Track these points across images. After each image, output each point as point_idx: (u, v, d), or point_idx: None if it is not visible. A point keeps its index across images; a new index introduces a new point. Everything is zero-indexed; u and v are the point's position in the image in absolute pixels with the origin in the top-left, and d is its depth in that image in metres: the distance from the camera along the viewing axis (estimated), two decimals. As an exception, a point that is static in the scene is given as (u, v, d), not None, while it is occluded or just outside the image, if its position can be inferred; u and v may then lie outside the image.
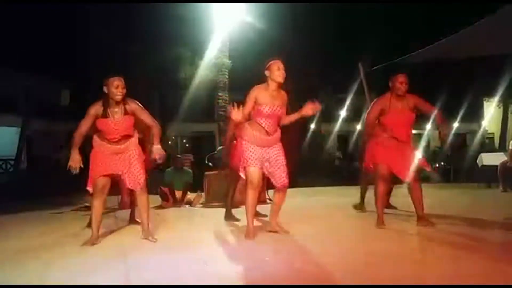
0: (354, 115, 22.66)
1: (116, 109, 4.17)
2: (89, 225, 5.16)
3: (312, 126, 20.96)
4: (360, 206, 6.28)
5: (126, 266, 3.35)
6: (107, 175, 4.21)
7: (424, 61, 6.90)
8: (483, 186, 10.38)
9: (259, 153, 4.33)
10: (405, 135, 4.82)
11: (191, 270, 3.23)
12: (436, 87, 16.43)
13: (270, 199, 6.92)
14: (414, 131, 5.28)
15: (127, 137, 4.26)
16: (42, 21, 14.93)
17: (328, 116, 24.33)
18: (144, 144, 4.67)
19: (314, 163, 17.74)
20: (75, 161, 4.10)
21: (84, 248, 4.07)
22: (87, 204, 5.83)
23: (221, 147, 8.57)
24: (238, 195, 6.27)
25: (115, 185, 7.06)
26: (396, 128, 4.79)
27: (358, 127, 23.50)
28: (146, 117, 4.31)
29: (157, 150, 4.25)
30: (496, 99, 23.50)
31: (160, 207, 7.26)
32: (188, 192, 7.74)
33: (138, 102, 4.30)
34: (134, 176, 4.24)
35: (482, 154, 10.85)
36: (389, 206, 5.94)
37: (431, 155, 19.90)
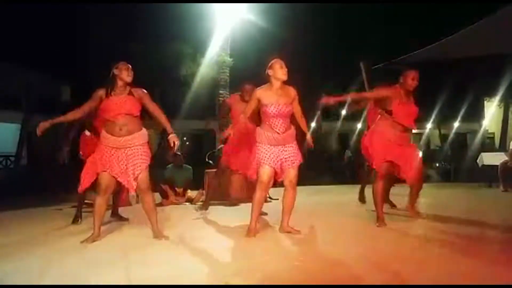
0: (355, 114, 22.64)
1: (122, 91, 4.22)
2: (75, 221, 5.23)
3: (313, 124, 20.94)
4: (361, 197, 6.54)
5: (125, 263, 3.35)
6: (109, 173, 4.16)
7: (424, 61, 6.89)
8: (483, 186, 10.38)
9: (273, 152, 4.35)
10: (412, 124, 4.97)
11: (190, 267, 3.23)
12: (436, 86, 16.43)
13: (270, 198, 6.93)
14: (414, 131, 5.31)
15: (131, 124, 4.17)
16: (43, 17, 14.93)
17: (328, 115, 24.35)
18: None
19: (317, 161, 17.74)
20: (41, 126, 4.11)
21: (83, 245, 4.07)
22: (87, 201, 5.83)
23: (222, 146, 8.58)
24: (234, 193, 6.31)
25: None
26: (405, 118, 4.90)
27: (359, 126, 23.51)
28: (153, 105, 4.28)
29: (174, 138, 4.25)
30: (496, 99, 23.46)
31: (160, 204, 7.26)
32: (189, 190, 7.73)
33: (143, 90, 4.27)
34: (128, 176, 4.13)
35: (483, 154, 10.85)
36: (391, 204, 5.97)
37: (431, 155, 19.90)
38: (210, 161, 8.13)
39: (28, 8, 14.82)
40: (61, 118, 4.23)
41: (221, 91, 14.13)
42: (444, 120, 23.87)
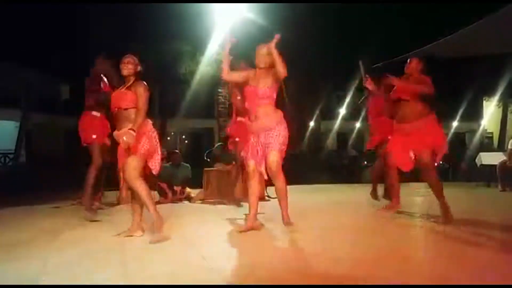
0: (354, 113, 22.68)
1: (125, 84, 4.24)
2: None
3: (312, 123, 20.96)
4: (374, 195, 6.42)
5: (124, 262, 3.35)
6: None
7: (424, 60, 6.89)
8: (482, 185, 10.40)
9: (257, 142, 4.41)
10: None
11: (190, 266, 3.23)
12: (436, 85, 16.43)
13: (269, 197, 6.93)
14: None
15: (123, 120, 4.13)
16: (42, 16, 14.90)
17: (327, 114, 24.37)
18: None
19: (315, 160, 17.76)
20: None
21: (81, 243, 4.07)
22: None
23: (219, 143, 8.59)
24: (237, 193, 6.32)
25: (114, 179, 7.12)
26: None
27: (358, 125, 23.54)
28: (138, 102, 4.12)
29: (125, 133, 4.03)
30: (495, 99, 23.51)
31: (158, 203, 7.26)
32: (188, 188, 7.73)
33: (143, 87, 4.16)
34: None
35: (481, 154, 10.87)
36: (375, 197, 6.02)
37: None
38: (209, 160, 8.13)
39: (28, 7, 14.79)
40: None
41: (220, 90, 14.14)
42: (442, 119, 23.88)
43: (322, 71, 18.23)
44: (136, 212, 4.32)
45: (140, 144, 4.04)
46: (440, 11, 15.58)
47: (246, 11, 13.07)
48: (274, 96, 4.45)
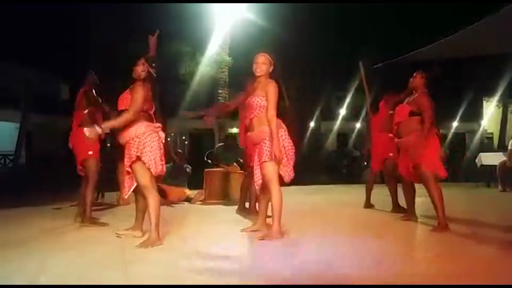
0: (354, 113, 22.67)
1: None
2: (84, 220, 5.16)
3: (312, 124, 20.93)
4: (368, 205, 6.47)
5: (124, 263, 3.34)
6: None
7: (424, 60, 6.90)
8: (482, 186, 10.41)
9: (255, 152, 4.34)
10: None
11: (190, 266, 3.22)
12: (435, 86, 16.43)
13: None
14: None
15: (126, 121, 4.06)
16: (42, 15, 14.90)
17: (328, 114, 24.34)
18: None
19: (315, 161, 17.74)
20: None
21: (81, 243, 4.08)
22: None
23: (220, 144, 8.59)
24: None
25: (114, 181, 7.12)
26: None
27: (358, 125, 23.53)
28: (131, 101, 4.04)
29: (89, 128, 3.99)
30: (495, 99, 23.50)
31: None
32: (189, 189, 7.73)
33: (141, 86, 4.07)
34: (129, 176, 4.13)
35: (481, 154, 10.87)
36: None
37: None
38: (209, 161, 8.12)
39: (27, 7, 14.79)
40: None
41: (220, 91, 14.11)
42: (442, 119, 23.87)
43: (322, 72, 18.21)
44: (139, 212, 4.32)
45: (132, 150, 3.97)
46: (440, 11, 15.59)
47: (246, 11, 13.08)
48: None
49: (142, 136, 3.97)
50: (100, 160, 5.27)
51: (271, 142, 4.12)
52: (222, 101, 14.15)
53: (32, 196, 8.18)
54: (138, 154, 3.94)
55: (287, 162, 4.21)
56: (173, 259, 3.46)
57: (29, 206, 6.83)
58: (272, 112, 4.13)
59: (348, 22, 16.32)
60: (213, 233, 4.60)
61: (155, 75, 4.21)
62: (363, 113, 12.23)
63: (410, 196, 5.14)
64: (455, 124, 24.53)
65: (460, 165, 15.43)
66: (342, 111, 25.28)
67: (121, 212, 6.21)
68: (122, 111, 4.07)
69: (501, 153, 10.21)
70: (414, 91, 4.89)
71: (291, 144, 4.26)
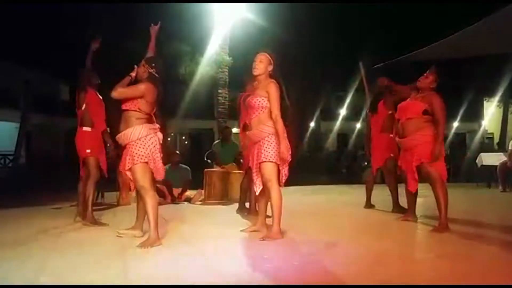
0: (354, 113, 22.68)
1: None
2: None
3: (312, 124, 20.96)
4: (368, 205, 6.45)
5: (124, 262, 3.34)
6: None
7: (424, 60, 6.89)
8: (482, 186, 10.40)
9: (253, 152, 4.31)
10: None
11: (190, 266, 3.22)
12: (436, 86, 16.43)
13: None
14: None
15: (124, 121, 4.07)
16: (42, 16, 14.89)
17: (328, 115, 24.36)
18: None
19: (314, 160, 17.75)
20: None
21: (81, 243, 4.07)
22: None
23: (217, 141, 8.59)
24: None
25: (114, 181, 7.12)
26: None
27: (358, 125, 23.54)
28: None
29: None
30: (496, 99, 23.52)
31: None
32: (188, 191, 7.71)
33: (144, 82, 4.08)
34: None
35: (482, 154, 10.86)
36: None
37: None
38: (209, 161, 8.11)
39: (27, 6, 14.78)
40: None
41: (220, 90, 14.11)
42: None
43: (322, 72, 18.22)
44: (140, 212, 4.31)
45: (133, 152, 3.96)
46: (440, 12, 15.58)
47: (246, 11, 13.08)
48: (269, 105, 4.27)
49: (144, 138, 3.98)
50: (103, 159, 5.27)
51: (272, 142, 4.11)
52: (222, 101, 14.15)
53: (32, 196, 8.18)
54: (140, 156, 3.94)
55: (283, 164, 4.19)
56: (173, 259, 3.46)
57: (29, 206, 6.83)
58: (276, 112, 4.10)
59: (348, 22, 16.31)
60: (213, 233, 4.59)
61: (156, 75, 4.18)
62: (363, 113, 12.23)
63: (412, 196, 5.11)
64: (455, 124, 24.57)
65: (460, 165, 15.43)
66: (342, 111, 25.31)
67: (121, 212, 6.21)
68: (125, 111, 4.07)
69: (501, 154, 10.20)
70: (420, 91, 4.83)
71: (288, 146, 4.21)
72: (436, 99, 4.66)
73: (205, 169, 7.64)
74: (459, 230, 4.55)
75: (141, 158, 3.95)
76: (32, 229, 4.84)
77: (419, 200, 5.26)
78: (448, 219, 4.53)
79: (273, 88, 4.16)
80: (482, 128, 26.70)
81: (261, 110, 4.19)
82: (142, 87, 4.06)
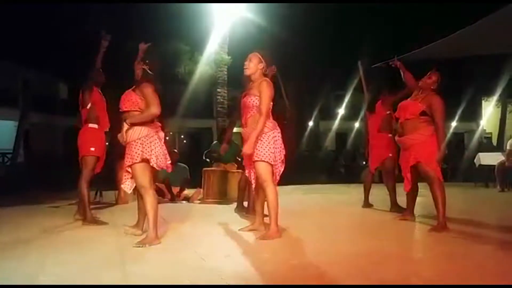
0: (353, 112, 22.69)
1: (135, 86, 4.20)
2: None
3: (311, 123, 20.96)
4: (366, 204, 6.45)
5: (122, 262, 3.34)
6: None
7: (423, 60, 6.89)
8: (480, 186, 10.42)
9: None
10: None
11: (188, 266, 3.22)
12: (437, 86, 16.43)
13: None
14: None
15: (123, 121, 4.08)
16: (41, 15, 14.86)
17: (326, 114, 24.37)
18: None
19: (313, 160, 17.77)
20: None
21: (80, 242, 4.07)
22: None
23: (216, 141, 8.58)
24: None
25: (113, 179, 7.11)
26: None
27: (357, 124, 23.55)
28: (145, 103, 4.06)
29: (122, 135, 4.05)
30: (494, 99, 23.53)
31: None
32: (186, 190, 7.72)
33: (149, 86, 4.04)
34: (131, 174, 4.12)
35: (480, 154, 10.88)
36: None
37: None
38: (208, 159, 8.11)
39: (26, 6, 14.75)
40: None
41: (219, 90, 14.11)
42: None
43: (321, 71, 18.22)
44: (141, 211, 4.32)
45: (134, 151, 3.96)
46: (439, 11, 15.59)
47: (245, 11, 13.07)
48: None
49: (145, 138, 3.99)
50: (102, 160, 5.26)
51: (265, 141, 4.11)
52: (221, 100, 14.15)
53: (31, 195, 8.16)
54: (142, 156, 3.95)
55: (277, 164, 4.18)
56: (171, 258, 3.46)
57: (27, 205, 6.82)
58: (263, 108, 4.09)
59: (347, 21, 16.31)
60: (211, 232, 4.60)
61: (151, 72, 4.19)
62: (362, 113, 12.25)
63: (411, 195, 5.11)
64: (454, 124, 24.56)
65: (458, 165, 15.45)
66: (341, 111, 25.31)
67: (119, 211, 6.21)
68: (127, 112, 4.08)
69: (499, 153, 10.22)
70: (421, 90, 4.84)
71: (282, 146, 4.24)
72: (436, 100, 4.66)
73: (204, 168, 7.64)
74: (457, 230, 4.55)
75: (141, 158, 3.95)
76: (31, 228, 4.84)
77: (418, 199, 5.27)
78: (446, 218, 4.54)
79: (263, 86, 4.17)
80: (480, 128, 26.73)
81: (255, 109, 4.20)
82: (151, 90, 4.05)
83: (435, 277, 2.94)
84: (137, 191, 4.23)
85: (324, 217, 5.68)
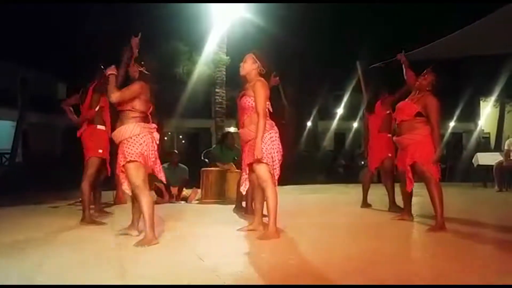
0: (352, 113, 22.70)
1: None
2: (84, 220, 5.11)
3: (309, 123, 20.96)
4: (365, 204, 6.46)
5: (121, 262, 3.34)
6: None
7: (421, 60, 6.90)
8: (478, 186, 10.43)
9: (246, 152, 4.32)
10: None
11: (186, 266, 3.22)
12: (433, 87, 16.44)
13: None
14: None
15: (121, 119, 4.08)
16: (39, 14, 14.85)
17: (325, 114, 24.37)
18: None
19: (311, 160, 17.76)
20: None
21: (78, 242, 4.07)
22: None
23: (218, 145, 8.57)
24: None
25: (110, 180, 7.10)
26: None
27: (355, 124, 23.57)
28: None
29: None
30: (492, 99, 23.56)
31: (155, 203, 7.23)
32: (185, 190, 7.71)
33: (137, 83, 4.08)
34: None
35: (478, 154, 10.90)
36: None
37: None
38: (206, 160, 8.11)
39: (26, 6, 14.74)
40: None
41: (217, 90, 14.10)
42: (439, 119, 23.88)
43: (320, 71, 18.22)
44: (135, 212, 4.30)
45: (126, 150, 3.96)
46: (438, 11, 15.60)
47: (244, 11, 13.07)
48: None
49: (136, 137, 3.97)
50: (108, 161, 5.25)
51: (263, 142, 4.10)
52: (220, 100, 14.15)
53: (29, 195, 8.15)
54: (132, 154, 3.93)
55: (274, 165, 4.17)
56: (170, 258, 3.46)
57: (26, 205, 6.81)
58: (259, 109, 4.09)
59: (346, 21, 16.32)
60: (209, 233, 4.60)
61: (146, 72, 4.19)
62: (361, 113, 12.29)
63: (407, 195, 5.12)
64: (452, 124, 24.59)
65: (456, 165, 15.47)
66: (340, 111, 25.32)
67: (117, 211, 6.20)
68: (121, 111, 4.07)
69: (497, 153, 10.24)
70: (417, 91, 4.84)
71: (280, 147, 4.24)
72: (431, 101, 4.66)
73: (202, 168, 7.64)
74: (455, 230, 4.56)
75: (133, 156, 3.93)
76: (29, 228, 4.84)
77: (415, 199, 5.28)
78: (444, 218, 4.54)
79: (257, 86, 4.17)
80: (478, 128, 26.75)
81: (252, 110, 4.20)
82: (136, 87, 4.06)
83: (433, 277, 2.95)
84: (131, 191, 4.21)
85: (323, 217, 5.69)
